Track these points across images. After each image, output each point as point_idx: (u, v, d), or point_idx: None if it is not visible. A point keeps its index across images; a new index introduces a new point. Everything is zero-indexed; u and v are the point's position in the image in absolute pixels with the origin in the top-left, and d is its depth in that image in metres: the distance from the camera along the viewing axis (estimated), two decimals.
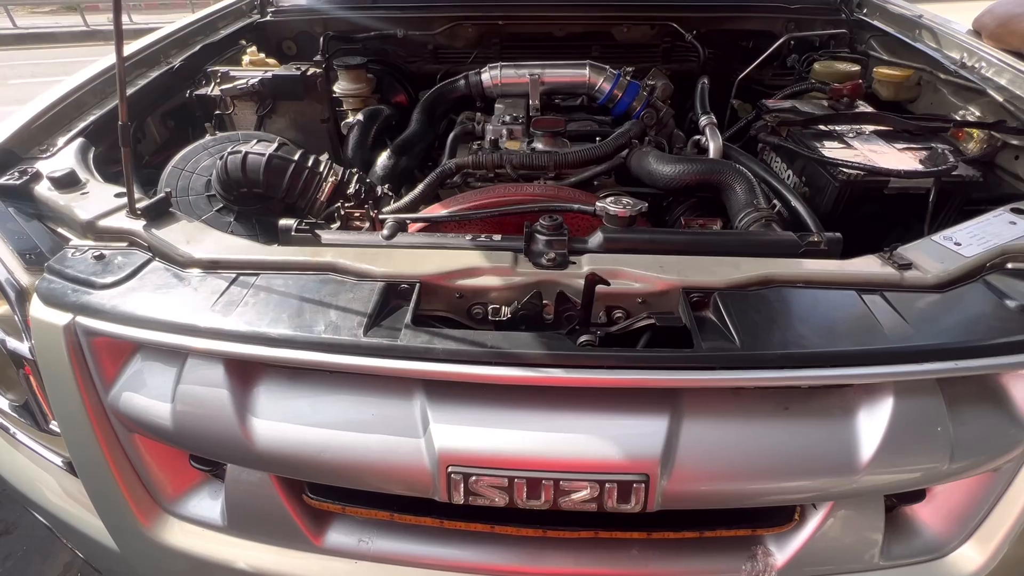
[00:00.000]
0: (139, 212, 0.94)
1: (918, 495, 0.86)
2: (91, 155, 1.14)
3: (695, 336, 0.75)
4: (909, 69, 1.55)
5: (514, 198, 1.11)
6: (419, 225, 1.10)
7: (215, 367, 0.79)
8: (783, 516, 0.84)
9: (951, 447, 0.74)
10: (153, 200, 0.96)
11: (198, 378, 0.80)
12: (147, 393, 0.82)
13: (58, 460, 0.99)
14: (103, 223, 0.94)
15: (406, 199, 1.23)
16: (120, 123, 0.86)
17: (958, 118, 1.37)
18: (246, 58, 1.68)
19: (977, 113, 1.37)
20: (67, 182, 1.02)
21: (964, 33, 1.54)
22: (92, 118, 1.24)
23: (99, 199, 0.99)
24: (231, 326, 0.77)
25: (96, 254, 0.89)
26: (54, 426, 0.95)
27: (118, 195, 0.99)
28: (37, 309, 0.83)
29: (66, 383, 0.84)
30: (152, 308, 0.80)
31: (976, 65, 1.41)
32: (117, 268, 0.86)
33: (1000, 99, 1.29)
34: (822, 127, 1.31)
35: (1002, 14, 1.46)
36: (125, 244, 0.93)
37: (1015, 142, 1.23)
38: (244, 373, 0.80)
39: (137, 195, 0.97)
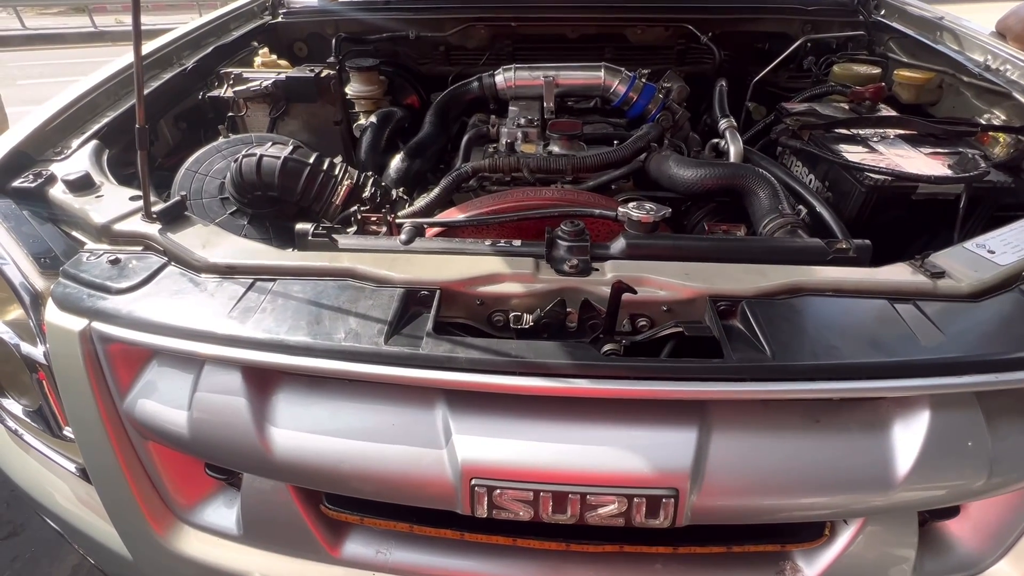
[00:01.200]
0: (155, 216, 0.93)
1: (952, 510, 0.84)
2: (105, 157, 1.13)
3: (724, 346, 0.73)
4: (930, 71, 1.52)
5: (534, 202, 1.09)
6: (436, 230, 1.09)
7: (232, 375, 0.78)
8: (813, 531, 0.82)
9: (990, 462, 0.72)
10: (169, 204, 0.95)
11: (215, 386, 0.78)
12: (163, 400, 0.81)
13: (71, 466, 0.98)
14: (118, 227, 0.93)
15: (422, 203, 1.22)
16: (137, 126, 0.85)
17: (983, 122, 1.34)
18: (258, 60, 1.67)
19: (1003, 116, 1.34)
20: (82, 185, 1.01)
21: (987, 35, 1.51)
22: (106, 120, 1.23)
23: (114, 202, 0.98)
24: (249, 333, 0.75)
25: (111, 258, 0.88)
26: (68, 432, 0.94)
27: (133, 198, 0.98)
28: (52, 314, 0.82)
29: (81, 389, 0.82)
30: (168, 314, 0.78)
31: (1001, 68, 1.38)
32: (132, 273, 0.85)
33: None
34: (844, 131, 1.29)
35: None
36: (140, 248, 0.92)
37: None
38: (262, 381, 0.78)
39: (152, 198, 0.96)
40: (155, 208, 0.93)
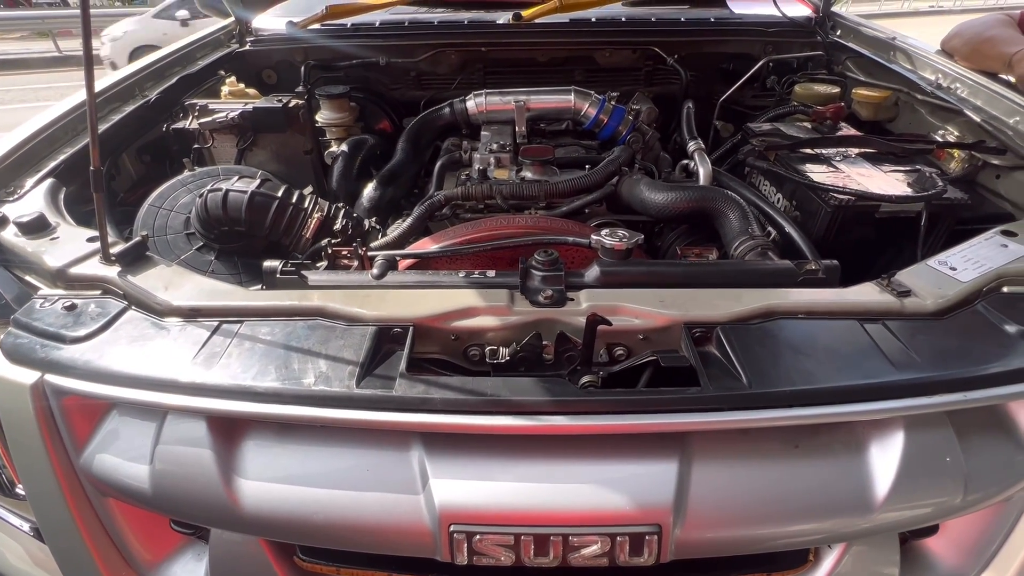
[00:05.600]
0: (113, 258, 0.89)
1: (931, 528, 0.84)
2: (62, 196, 1.09)
3: (701, 375, 0.73)
4: (887, 90, 1.58)
5: (507, 231, 1.09)
6: (409, 261, 1.07)
7: (197, 425, 0.74)
8: (798, 557, 0.81)
9: (965, 479, 0.73)
10: (129, 244, 0.91)
11: (179, 437, 0.75)
12: (123, 455, 0.77)
13: (26, 526, 0.92)
14: (75, 270, 0.89)
15: (395, 233, 1.20)
16: (92, 168, 0.82)
17: (938, 138, 1.39)
18: (225, 89, 1.65)
19: (956, 133, 1.39)
20: (36, 227, 0.97)
21: (935, 54, 1.58)
22: (63, 156, 1.19)
23: (70, 245, 0.94)
24: (214, 380, 0.72)
25: (67, 304, 0.84)
26: (20, 490, 0.89)
27: (91, 239, 0.94)
28: (2, 367, 0.78)
29: (33, 446, 0.78)
30: (128, 363, 0.75)
31: (952, 86, 1.44)
32: (90, 319, 0.81)
33: (977, 119, 1.32)
34: (808, 150, 1.32)
35: (972, 37, 1.50)
36: (99, 292, 0.88)
37: (996, 161, 1.25)
38: (229, 430, 0.75)
39: (112, 238, 0.93)
40: (114, 249, 0.90)
